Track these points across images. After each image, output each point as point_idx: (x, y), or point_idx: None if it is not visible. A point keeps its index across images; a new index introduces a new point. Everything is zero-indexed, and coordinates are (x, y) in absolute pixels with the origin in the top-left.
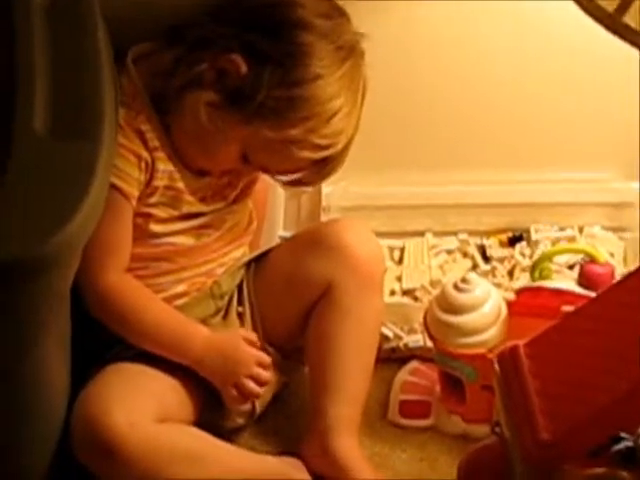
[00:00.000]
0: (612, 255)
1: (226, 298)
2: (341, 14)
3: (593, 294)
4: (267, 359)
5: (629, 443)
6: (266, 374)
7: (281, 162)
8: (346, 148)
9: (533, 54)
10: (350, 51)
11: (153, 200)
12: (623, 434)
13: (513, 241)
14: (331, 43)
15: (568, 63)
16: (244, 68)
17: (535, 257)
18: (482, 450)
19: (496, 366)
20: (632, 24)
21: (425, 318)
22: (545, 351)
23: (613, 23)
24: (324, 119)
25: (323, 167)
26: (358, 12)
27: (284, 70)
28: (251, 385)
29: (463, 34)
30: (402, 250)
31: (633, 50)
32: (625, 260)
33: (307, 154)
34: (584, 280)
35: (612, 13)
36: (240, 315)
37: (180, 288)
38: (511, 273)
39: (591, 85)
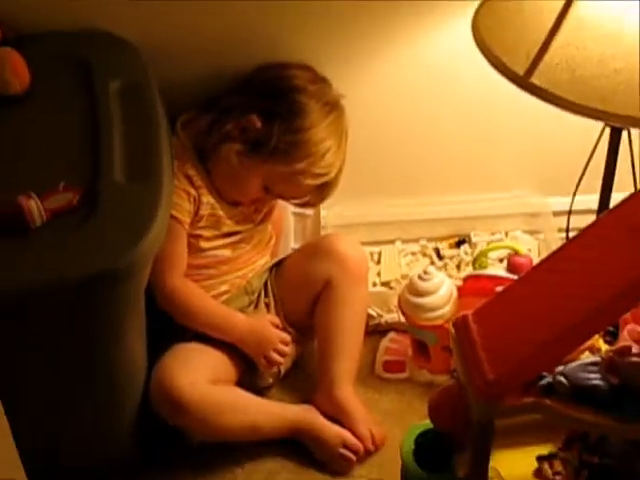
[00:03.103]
0: (530, 250)
1: (256, 293)
2: (323, 80)
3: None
4: (287, 337)
5: (549, 379)
6: (286, 349)
7: (292, 189)
8: (337, 176)
9: (473, 110)
10: (334, 106)
11: (201, 224)
12: (545, 373)
13: (459, 244)
14: (319, 101)
15: (495, 115)
16: (259, 124)
17: (475, 254)
18: (445, 390)
19: (452, 331)
20: (537, 83)
21: (399, 301)
22: (486, 317)
23: (523, 83)
24: (319, 155)
25: (322, 191)
26: (340, 76)
27: (288, 123)
28: (276, 357)
29: (415, 98)
30: (379, 254)
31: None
32: (539, 253)
33: (310, 181)
34: (511, 268)
35: (522, 75)
36: (267, 305)
37: (223, 288)
38: (458, 267)
39: (515, 130)
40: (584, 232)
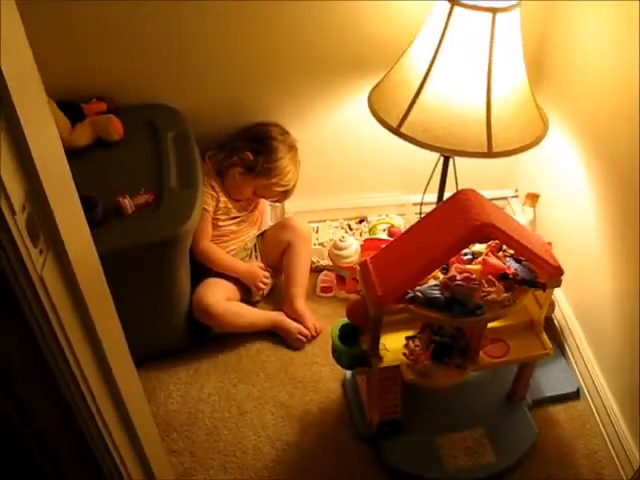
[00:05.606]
0: (400, 225)
1: (250, 250)
2: (287, 132)
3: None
4: (268, 274)
5: (412, 294)
6: (268, 280)
7: (269, 194)
8: (294, 186)
9: (369, 147)
10: (292, 147)
11: (219, 213)
12: (409, 291)
13: (361, 221)
14: (284, 144)
15: (382, 150)
16: (251, 157)
17: (370, 227)
18: (356, 301)
19: (358, 268)
20: (404, 132)
21: (328, 253)
22: (377, 260)
23: (396, 132)
24: (284, 175)
25: (286, 194)
26: (296, 129)
27: (267, 157)
28: (261, 285)
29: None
30: (318, 228)
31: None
32: (404, 226)
33: (279, 189)
34: (390, 234)
35: (395, 127)
36: (256, 257)
37: (232, 247)
38: (361, 234)
39: (393, 158)
40: (428, 214)
